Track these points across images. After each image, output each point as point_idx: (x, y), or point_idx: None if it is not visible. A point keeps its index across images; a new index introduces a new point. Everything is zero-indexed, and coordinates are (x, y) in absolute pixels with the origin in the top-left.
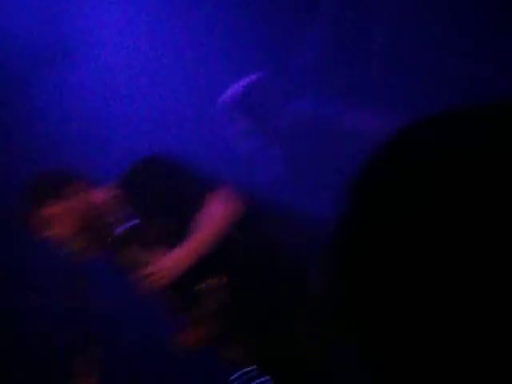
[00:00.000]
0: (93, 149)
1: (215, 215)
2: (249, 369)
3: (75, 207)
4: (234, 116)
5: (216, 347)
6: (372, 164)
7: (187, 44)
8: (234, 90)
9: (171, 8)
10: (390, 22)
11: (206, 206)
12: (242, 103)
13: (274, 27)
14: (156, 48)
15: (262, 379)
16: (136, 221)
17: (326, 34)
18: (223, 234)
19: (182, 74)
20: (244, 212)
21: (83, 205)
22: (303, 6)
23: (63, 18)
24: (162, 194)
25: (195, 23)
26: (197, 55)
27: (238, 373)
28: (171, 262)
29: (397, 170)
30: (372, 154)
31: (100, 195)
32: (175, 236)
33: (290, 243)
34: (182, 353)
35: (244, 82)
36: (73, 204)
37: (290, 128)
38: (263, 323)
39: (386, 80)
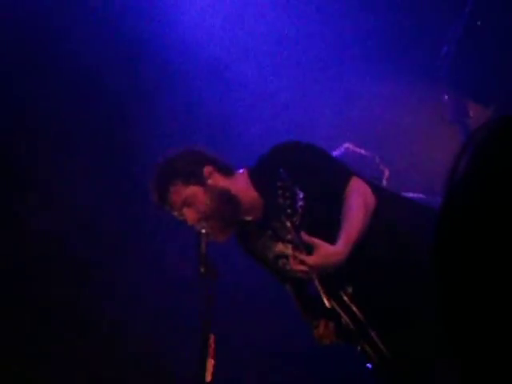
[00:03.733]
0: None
1: (360, 206)
2: None
3: (213, 189)
4: None
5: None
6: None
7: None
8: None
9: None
10: None
11: (348, 197)
12: None
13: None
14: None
15: None
16: (300, 202)
17: None
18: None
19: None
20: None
21: (220, 188)
22: None
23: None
24: (305, 180)
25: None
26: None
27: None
28: (326, 255)
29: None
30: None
31: (234, 180)
32: (320, 223)
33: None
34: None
35: (336, 152)
36: (210, 186)
37: None
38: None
39: None
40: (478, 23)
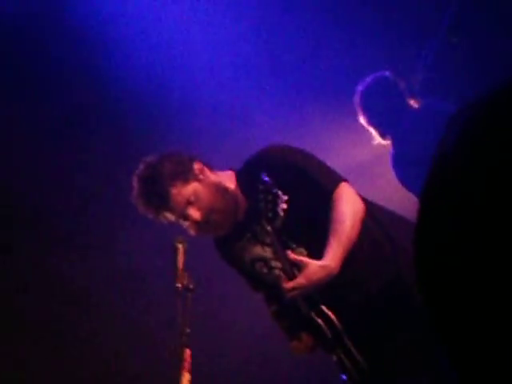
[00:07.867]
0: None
1: (349, 213)
2: None
3: (209, 183)
4: (358, 111)
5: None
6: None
7: (311, 45)
8: (361, 86)
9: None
10: None
11: (336, 202)
12: (365, 99)
13: (401, 32)
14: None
15: None
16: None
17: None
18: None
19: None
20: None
21: (215, 181)
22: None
23: None
24: (290, 182)
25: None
26: (324, 53)
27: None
28: (315, 273)
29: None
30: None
31: (224, 176)
32: (306, 225)
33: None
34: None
35: (370, 79)
36: (206, 180)
37: (412, 126)
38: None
39: None
40: (454, 40)
